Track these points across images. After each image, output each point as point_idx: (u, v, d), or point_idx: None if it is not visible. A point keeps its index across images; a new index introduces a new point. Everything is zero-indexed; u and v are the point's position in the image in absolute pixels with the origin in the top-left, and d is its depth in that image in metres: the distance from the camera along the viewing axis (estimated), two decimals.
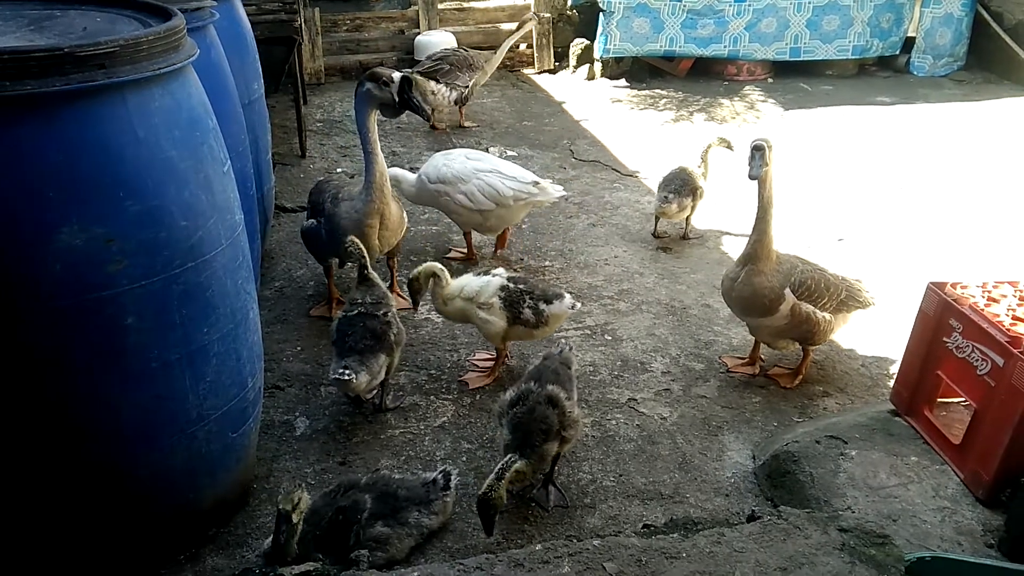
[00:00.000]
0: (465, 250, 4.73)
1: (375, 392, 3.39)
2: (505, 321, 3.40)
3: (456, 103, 6.75)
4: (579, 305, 3.48)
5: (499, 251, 4.77)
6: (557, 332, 3.96)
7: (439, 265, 3.47)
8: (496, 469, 2.60)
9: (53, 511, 2.36)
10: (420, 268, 3.46)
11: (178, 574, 2.59)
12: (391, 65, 8.10)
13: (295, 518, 2.38)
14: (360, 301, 3.32)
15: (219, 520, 2.76)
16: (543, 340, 3.70)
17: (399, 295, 4.17)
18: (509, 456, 2.65)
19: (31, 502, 2.33)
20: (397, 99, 3.64)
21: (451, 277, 3.50)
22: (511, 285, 3.43)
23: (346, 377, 3.06)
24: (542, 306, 3.40)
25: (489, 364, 3.65)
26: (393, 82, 3.62)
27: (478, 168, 4.44)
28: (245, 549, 2.68)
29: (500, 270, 3.57)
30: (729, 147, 5.01)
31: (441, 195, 4.43)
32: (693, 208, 4.89)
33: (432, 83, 6.64)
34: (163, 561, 2.60)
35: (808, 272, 3.40)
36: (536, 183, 4.41)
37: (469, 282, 3.50)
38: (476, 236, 4.77)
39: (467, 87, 6.68)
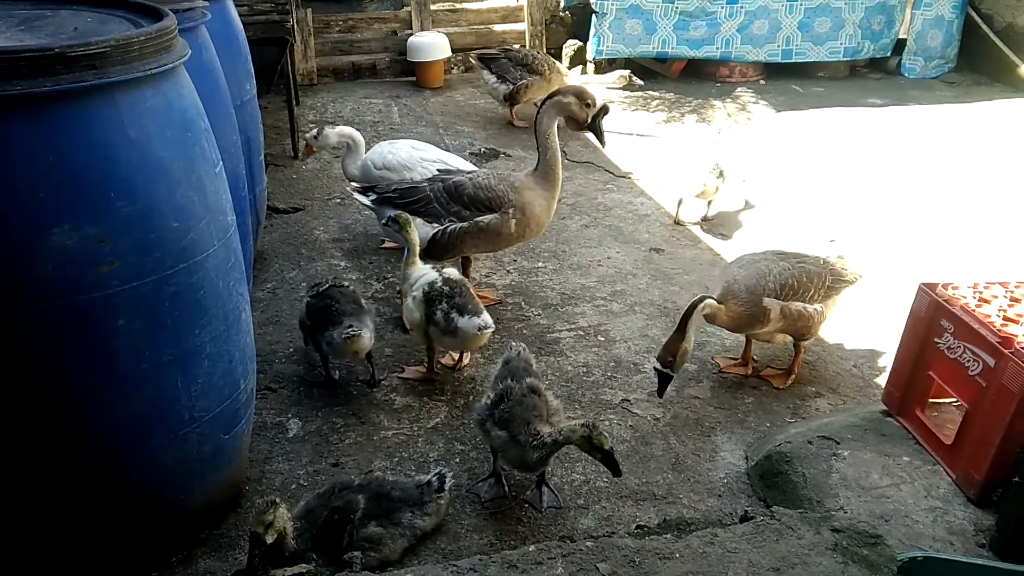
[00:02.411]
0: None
1: (370, 374, 3.57)
2: (421, 315, 3.39)
3: (505, 99, 6.81)
4: (489, 330, 3.30)
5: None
6: (551, 334, 3.97)
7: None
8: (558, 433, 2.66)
9: (44, 513, 2.34)
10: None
11: None
12: (383, 66, 8.11)
13: (269, 539, 2.35)
14: (323, 279, 3.59)
15: (211, 522, 2.75)
16: (475, 353, 3.73)
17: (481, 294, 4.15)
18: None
19: (22, 504, 2.32)
20: (589, 120, 3.83)
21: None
22: (439, 284, 3.40)
23: (356, 332, 3.23)
24: (453, 315, 3.30)
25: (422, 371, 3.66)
26: (595, 106, 3.82)
27: (423, 157, 4.55)
28: (237, 551, 2.67)
29: (450, 270, 3.53)
30: (722, 175, 5.19)
31: (384, 181, 4.50)
32: (716, 189, 5.13)
33: (485, 71, 6.84)
34: (155, 563, 2.59)
35: (788, 272, 3.40)
36: None
37: (420, 269, 3.54)
38: None
39: (515, 84, 6.70)
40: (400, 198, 3.95)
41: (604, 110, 3.86)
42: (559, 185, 3.94)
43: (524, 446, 2.71)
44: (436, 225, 3.88)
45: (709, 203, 5.24)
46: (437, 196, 3.91)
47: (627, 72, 7.21)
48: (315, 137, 4.93)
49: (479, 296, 4.07)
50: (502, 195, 3.84)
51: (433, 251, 3.95)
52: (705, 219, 5.25)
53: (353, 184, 4.22)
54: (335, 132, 4.84)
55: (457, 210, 3.88)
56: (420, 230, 3.87)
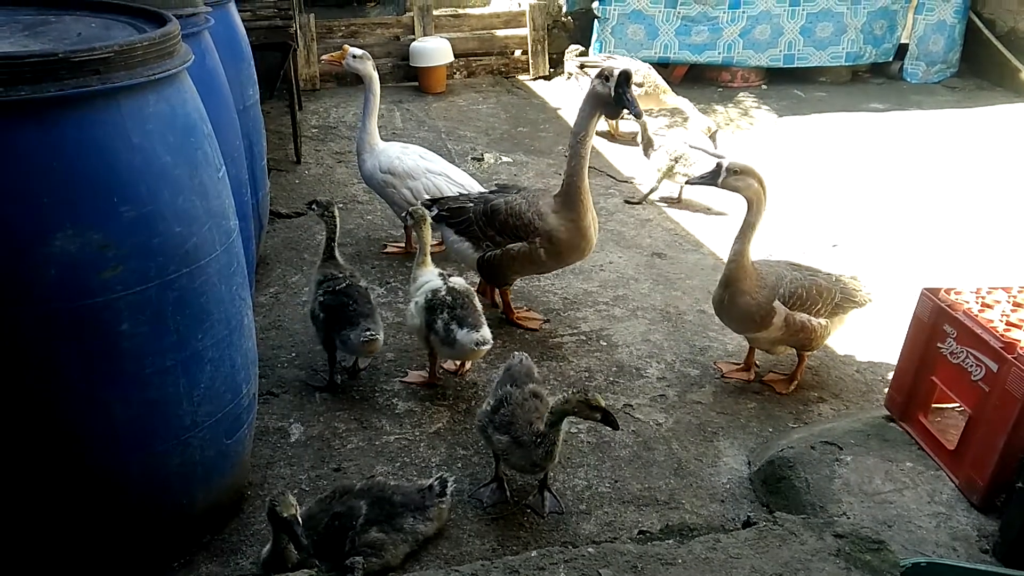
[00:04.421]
0: (403, 244, 4.81)
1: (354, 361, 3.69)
2: (422, 322, 3.37)
3: None
4: (486, 346, 3.25)
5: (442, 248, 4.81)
6: (553, 339, 3.97)
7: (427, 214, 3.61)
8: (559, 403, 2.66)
9: (47, 517, 2.35)
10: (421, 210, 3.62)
11: None
12: (386, 71, 8.12)
13: (285, 513, 2.34)
14: (341, 275, 3.51)
15: (213, 527, 2.75)
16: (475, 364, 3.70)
17: (525, 317, 4.12)
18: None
19: (25, 508, 2.32)
20: (614, 95, 3.50)
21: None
22: (442, 293, 3.36)
23: (374, 335, 3.30)
24: (453, 327, 3.27)
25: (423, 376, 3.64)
26: (613, 77, 3.47)
27: (429, 168, 4.54)
28: (239, 556, 2.67)
29: (456, 279, 3.50)
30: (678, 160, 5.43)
31: (387, 186, 4.54)
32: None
33: (584, 76, 6.85)
34: (157, 568, 2.59)
35: (798, 281, 3.39)
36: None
37: (429, 273, 3.51)
38: None
39: None
40: (451, 217, 3.97)
41: (625, 77, 3.47)
42: (585, 203, 3.67)
43: (528, 445, 2.71)
44: (480, 251, 3.88)
45: (681, 188, 5.60)
46: (477, 219, 3.88)
47: (713, 124, 6.75)
48: (353, 56, 4.67)
49: (527, 317, 4.10)
50: (528, 223, 3.73)
51: (485, 278, 3.97)
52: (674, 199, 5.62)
53: (426, 198, 4.21)
54: (370, 67, 4.65)
55: (492, 235, 3.84)
56: (466, 254, 3.91)
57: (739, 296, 3.35)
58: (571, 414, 2.65)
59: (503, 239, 3.82)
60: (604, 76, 3.53)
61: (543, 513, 2.87)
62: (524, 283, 4.50)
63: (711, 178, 3.30)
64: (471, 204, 3.95)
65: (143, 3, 2.56)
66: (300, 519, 2.38)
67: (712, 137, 6.63)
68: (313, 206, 3.66)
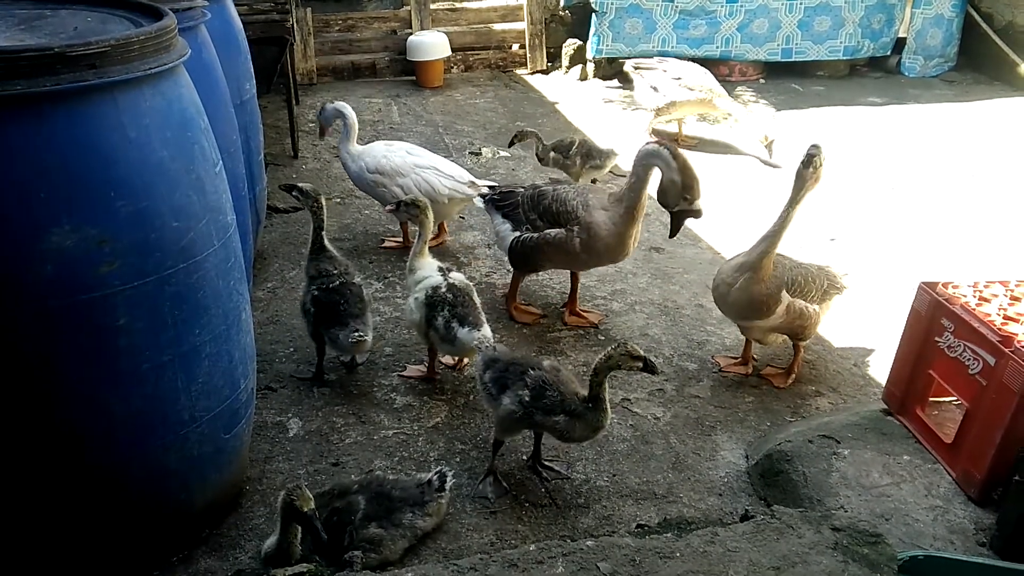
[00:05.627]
0: (401, 239, 4.82)
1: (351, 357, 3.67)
2: (422, 317, 3.36)
3: (648, 108, 6.58)
4: (486, 344, 3.15)
5: (439, 243, 4.83)
6: (552, 333, 3.97)
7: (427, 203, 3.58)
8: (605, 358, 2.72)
9: (45, 513, 2.34)
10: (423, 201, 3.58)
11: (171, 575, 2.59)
12: (383, 65, 8.11)
13: (305, 508, 2.36)
14: (336, 272, 3.47)
15: (212, 522, 2.75)
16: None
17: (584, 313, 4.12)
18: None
19: (22, 503, 2.32)
20: (672, 209, 3.45)
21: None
22: (442, 290, 3.34)
23: (364, 337, 3.30)
24: (454, 324, 3.26)
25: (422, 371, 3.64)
26: (692, 202, 3.40)
27: (417, 164, 4.53)
28: (238, 550, 2.68)
29: (456, 275, 3.47)
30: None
31: (378, 186, 4.53)
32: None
33: (639, 76, 6.71)
34: (156, 563, 2.59)
35: (796, 269, 3.45)
36: (472, 183, 4.43)
37: (428, 266, 3.48)
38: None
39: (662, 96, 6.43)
40: (500, 200, 4.03)
41: (696, 214, 3.46)
42: (636, 215, 3.61)
43: (584, 414, 2.77)
44: (517, 233, 3.89)
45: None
46: (523, 202, 3.91)
47: (771, 132, 6.52)
48: (319, 114, 4.88)
49: (523, 311, 4.11)
50: (572, 211, 3.71)
51: (513, 261, 3.98)
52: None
53: (482, 191, 4.25)
54: (332, 108, 4.74)
55: (534, 219, 3.85)
56: (505, 235, 3.94)
57: (754, 284, 3.33)
58: (615, 368, 2.72)
59: (543, 223, 3.82)
60: (685, 195, 3.39)
61: (567, 473, 3.03)
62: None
63: (803, 165, 3.38)
64: (522, 190, 4.01)
65: None
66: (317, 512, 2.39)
67: (769, 147, 6.54)
68: (295, 193, 3.60)
